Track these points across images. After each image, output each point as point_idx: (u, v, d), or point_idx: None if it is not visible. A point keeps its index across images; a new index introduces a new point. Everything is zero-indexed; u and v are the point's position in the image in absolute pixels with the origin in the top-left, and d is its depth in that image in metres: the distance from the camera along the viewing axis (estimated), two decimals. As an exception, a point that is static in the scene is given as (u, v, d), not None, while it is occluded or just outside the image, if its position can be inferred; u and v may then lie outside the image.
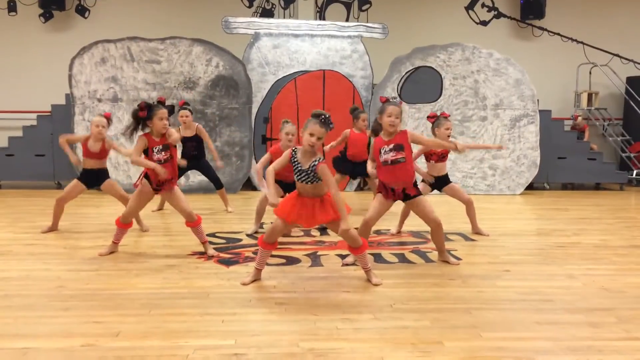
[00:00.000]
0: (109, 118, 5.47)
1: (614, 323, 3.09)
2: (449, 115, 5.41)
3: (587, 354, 2.68)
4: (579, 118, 11.20)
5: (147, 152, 4.42)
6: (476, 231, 5.60)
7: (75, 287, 3.67)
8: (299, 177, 3.62)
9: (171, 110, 4.49)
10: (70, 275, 3.93)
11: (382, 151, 4.12)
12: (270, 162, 4.88)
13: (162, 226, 5.82)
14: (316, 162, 3.56)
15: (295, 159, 3.62)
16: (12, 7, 10.71)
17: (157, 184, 4.46)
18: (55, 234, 5.39)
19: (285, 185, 5.26)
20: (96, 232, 5.42)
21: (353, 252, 3.83)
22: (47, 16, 10.86)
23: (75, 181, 5.41)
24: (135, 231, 5.47)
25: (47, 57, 10.75)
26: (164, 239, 5.20)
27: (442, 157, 5.45)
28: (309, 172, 3.58)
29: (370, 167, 4.38)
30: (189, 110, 6.71)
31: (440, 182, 5.50)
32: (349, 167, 6.61)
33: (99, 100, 8.60)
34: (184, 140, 6.67)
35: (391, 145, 4.09)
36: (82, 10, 10.92)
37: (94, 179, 5.44)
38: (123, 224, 4.56)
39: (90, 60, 8.64)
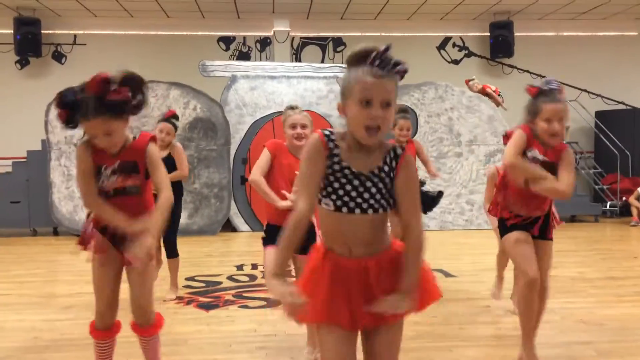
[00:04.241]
0: None
1: (593, 357, 3.12)
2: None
3: (568, 388, 2.69)
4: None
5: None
6: None
7: (51, 337, 3.59)
8: (353, 201, 1.78)
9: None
10: (46, 325, 3.84)
11: (529, 154, 2.84)
12: (272, 166, 3.31)
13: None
14: (397, 151, 1.84)
15: (340, 172, 1.83)
16: (-13, 54, 10.72)
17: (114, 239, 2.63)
18: (31, 282, 5.28)
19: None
20: (72, 279, 5.30)
21: None
22: (23, 63, 10.87)
23: None
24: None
25: (23, 103, 10.67)
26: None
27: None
28: (384, 173, 1.79)
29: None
30: (174, 125, 5.02)
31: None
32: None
33: (76, 145, 8.56)
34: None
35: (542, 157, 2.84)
36: (58, 57, 10.97)
37: None
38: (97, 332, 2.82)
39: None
